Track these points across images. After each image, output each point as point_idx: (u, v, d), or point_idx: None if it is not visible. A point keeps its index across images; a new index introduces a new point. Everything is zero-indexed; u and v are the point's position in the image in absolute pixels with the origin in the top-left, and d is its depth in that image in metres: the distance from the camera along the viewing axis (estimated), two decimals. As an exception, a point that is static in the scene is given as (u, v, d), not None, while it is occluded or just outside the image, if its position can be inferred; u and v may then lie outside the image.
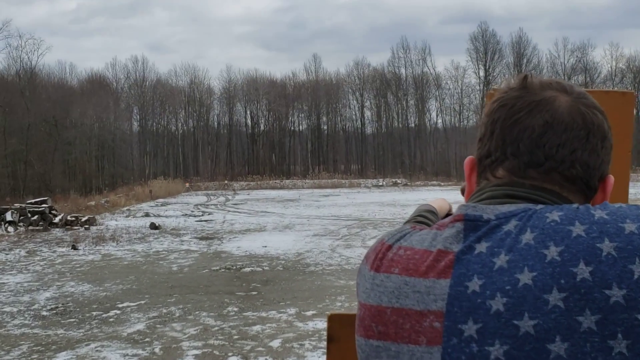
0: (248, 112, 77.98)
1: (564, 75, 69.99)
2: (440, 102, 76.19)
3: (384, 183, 60.69)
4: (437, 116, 76.56)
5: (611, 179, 1.03)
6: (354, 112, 79.73)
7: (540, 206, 0.94)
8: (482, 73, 72.95)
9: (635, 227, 0.88)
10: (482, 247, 0.92)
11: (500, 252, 0.90)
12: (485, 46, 73.05)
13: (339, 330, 1.67)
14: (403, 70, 77.25)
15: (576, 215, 0.91)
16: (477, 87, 72.93)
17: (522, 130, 0.98)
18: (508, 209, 0.95)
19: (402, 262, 0.97)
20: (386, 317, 0.95)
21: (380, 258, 1.00)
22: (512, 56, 72.91)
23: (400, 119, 77.44)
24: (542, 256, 0.88)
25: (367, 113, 79.26)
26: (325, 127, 79.78)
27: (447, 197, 1.86)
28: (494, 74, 71.72)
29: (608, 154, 1.02)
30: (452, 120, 75.93)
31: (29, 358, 7.92)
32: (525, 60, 72.23)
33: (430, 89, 76.97)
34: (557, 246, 0.88)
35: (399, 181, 61.74)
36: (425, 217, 1.46)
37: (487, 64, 72.87)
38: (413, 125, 77.03)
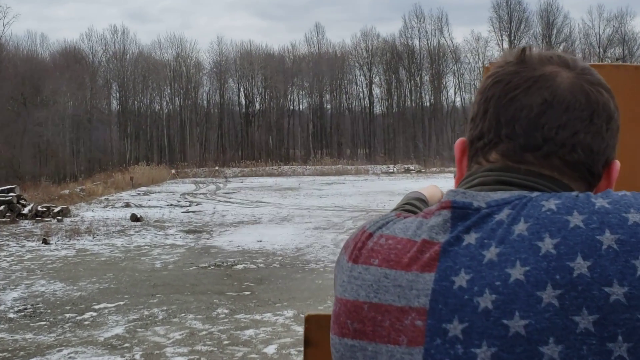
0: (241, 89, 78.02)
1: (599, 47, 69.83)
2: (458, 78, 76.11)
3: (395, 169, 60.75)
4: (455, 94, 76.69)
5: (617, 164, 1.03)
6: (361, 90, 79.74)
7: (536, 193, 0.94)
8: (506, 45, 72.81)
9: None
10: (471, 238, 0.92)
11: (491, 244, 0.90)
12: (509, 14, 72.89)
13: (317, 333, 1.63)
14: (417, 42, 77.18)
15: (575, 204, 0.91)
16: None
17: (519, 110, 0.98)
18: (501, 197, 0.95)
19: (383, 253, 0.96)
20: (363, 313, 0.94)
21: (360, 247, 1.00)
22: (540, 26, 72.83)
23: (413, 97, 77.42)
24: (536, 249, 0.88)
25: (376, 90, 79.25)
26: (329, 107, 79.81)
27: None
28: (520, 46, 71.51)
29: (614, 137, 1.01)
30: (472, 98, 75.74)
31: (-6, 366, 7.95)
32: (555, 31, 72.13)
33: (447, 63, 76.92)
34: (552, 238, 0.88)
35: (411, 167, 61.78)
36: (413, 206, 1.45)
37: (512, 35, 72.71)
38: (428, 104, 77.05)
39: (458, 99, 76.80)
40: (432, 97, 76.89)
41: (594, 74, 1.02)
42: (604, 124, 0.99)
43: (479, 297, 0.87)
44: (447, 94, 77.39)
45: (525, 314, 0.85)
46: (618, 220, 0.88)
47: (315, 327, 1.64)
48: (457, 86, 76.96)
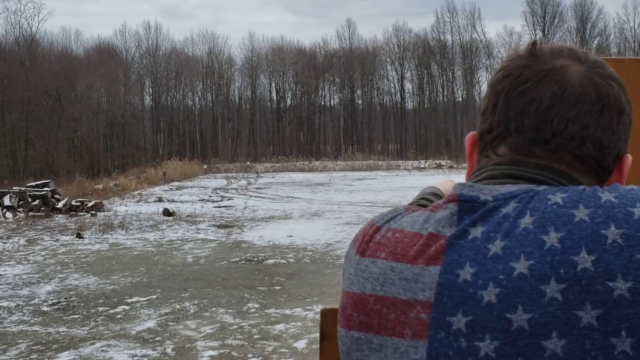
0: (273, 84, 78.15)
1: (634, 42, 68.82)
2: (491, 73, 75.36)
3: (426, 165, 60.49)
4: (487, 89, 76.01)
5: (629, 158, 1.02)
6: (392, 85, 79.45)
7: (543, 187, 0.94)
8: (539, 40, 71.92)
9: None
10: (477, 231, 0.92)
11: (496, 238, 0.90)
12: (543, 9, 72.11)
13: (333, 327, 1.65)
14: (449, 37, 76.68)
15: (581, 198, 0.91)
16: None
17: (528, 103, 0.98)
18: (508, 190, 0.95)
19: (390, 246, 0.97)
20: (369, 306, 0.95)
21: (367, 241, 1.00)
22: (574, 20, 71.97)
23: (445, 92, 76.97)
24: (540, 242, 0.88)
25: (408, 85, 78.91)
26: (360, 102, 79.64)
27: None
28: (554, 40, 70.73)
29: (626, 131, 1.01)
30: (505, 93, 75.16)
31: (28, 358, 8.06)
32: (589, 25, 71.21)
33: (479, 58, 76.34)
34: (557, 232, 0.88)
35: (443, 163, 61.47)
36: (427, 200, 1.45)
37: (546, 29, 71.93)
38: (460, 99, 76.57)
39: (490, 94, 76.35)
40: (465, 92, 76.40)
41: (606, 67, 1.01)
42: (614, 117, 0.98)
43: (483, 290, 0.87)
44: (480, 89, 76.76)
45: (528, 307, 0.85)
46: (624, 214, 0.87)
47: (331, 321, 1.67)
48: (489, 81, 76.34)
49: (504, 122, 1.00)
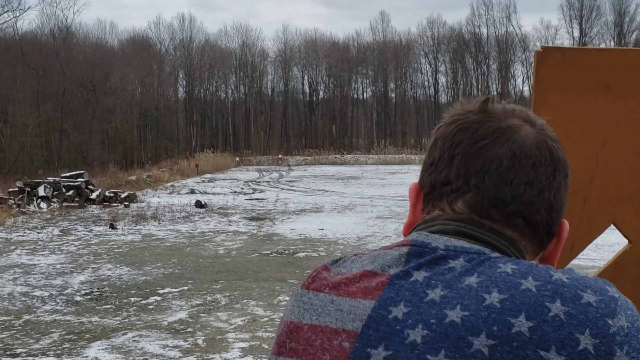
0: (306, 77, 78.16)
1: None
2: (527, 67, 74.68)
3: (460, 159, 60.02)
4: (522, 83, 75.19)
5: (566, 224, 1.04)
6: (426, 78, 79.05)
7: (495, 254, 0.95)
8: (576, 33, 71.16)
9: (594, 300, 0.88)
10: (419, 275, 0.93)
11: (437, 286, 0.91)
12: (581, 2, 71.14)
13: None
14: (484, 30, 75.99)
15: (531, 271, 0.91)
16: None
17: (489, 161, 0.99)
18: (461, 245, 0.96)
19: (335, 282, 0.98)
20: (302, 333, 0.97)
21: (314, 276, 1.02)
22: (612, 14, 70.88)
23: (480, 86, 76.34)
24: (480, 299, 0.88)
25: (442, 79, 78.44)
26: (393, 95, 79.37)
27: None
28: (591, 34, 69.92)
29: (566, 195, 1.03)
30: (541, 87, 74.37)
31: (61, 347, 8.15)
32: (627, 19, 70.11)
33: (515, 52, 75.57)
34: (500, 293, 0.88)
35: (476, 157, 61.00)
36: None
37: (583, 23, 70.99)
38: (495, 93, 75.85)
39: (526, 88, 75.46)
40: (500, 86, 75.69)
41: (551, 131, 1.03)
42: (563, 181, 1.01)
43: (410, 329, 0.88)
44: (515, 83, 76.08)
45: (451, 353, 0.84)
46: (572, 295, 0.87)
47: None
48: (525, 75, 75.58)
49: (464, 177, 1.00)
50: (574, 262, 1.68)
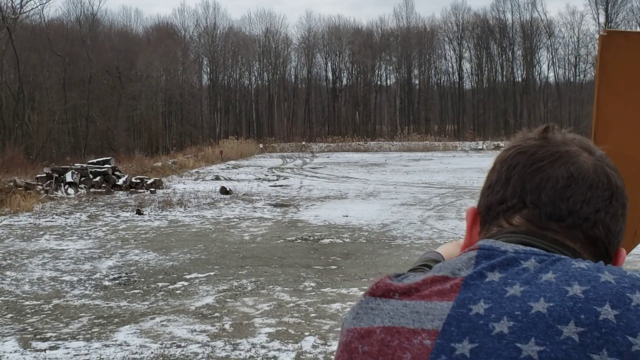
0: (329, 64, 77.99)
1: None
2: (552, 53, 74.03)
3: (484, 146, 59.79)
4: (548, 69, 74.83)
5: (623, 252, 1.05)
6: (450, 65, 78.58)
7: (564, 256, 0.96)
8: (602, 19, 70.32)
9: None
10: (494, 276, 0.94)
11: (515, 283, 0.92)
12: (607, -13, 70.19)
13: None
14: (509, 16, 75.45)
15: (605, 268, 0.93)
16: (597, 36, 70.32)
17: (545, 179, 1.01)
18: (530, 249, 0.97)
19: (404, 287, 0.98)
20: (375, 336, 0.95)
21: (379, 286, 1.01)
22: (638, 0, 69.85)
23: (504, 73, 75.81)
24: (563, 291, 0.89)
25: (466, 65, 77.91)
26: (417, 82, 79.00)
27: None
28: (617, 20, 69.00)
29: (625, 224, 1.04)
30: (566, 74, 73.66)
31: (90, 331, 8.26)
32: (655, 4, 69.03)
33: (540, 38, 74.87)
34: (581, 285, 0.89)
35: (501, 144, 60.58)
36: (427, 267, 1.45)
37: (609, 9, 70.11)
38: (520, 79, 75.32)
39: (551, 74, 74.94)
40: (525, 73, 75.08)
41: (611, 161, 1.05)
42: (620, 208, 1.02)
43: (495, 322, 0.88)
44: (540, 69, 75.45)
45: (542, 341, 0.85)
46: None
47: None
48: (550, 61, 74.90)
49: (519, 195, 1.02)
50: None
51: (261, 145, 57.30)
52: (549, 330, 0.86)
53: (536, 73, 75.24)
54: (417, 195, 22.48)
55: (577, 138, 1.06)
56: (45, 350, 7.58)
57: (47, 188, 22.86)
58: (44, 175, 24.01)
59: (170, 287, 10.40)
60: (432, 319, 0.92)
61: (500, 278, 0.93)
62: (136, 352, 7.43)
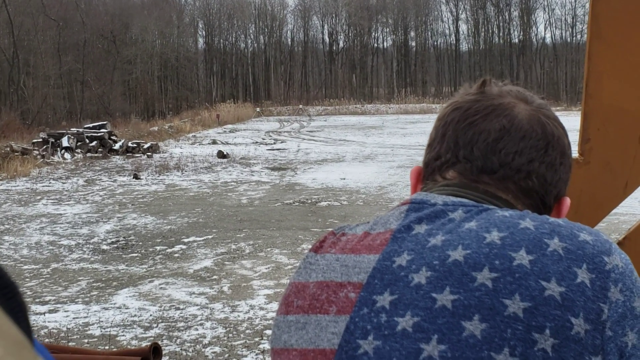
0: (325, 27, 77.41)
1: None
2: (549, 14, 73.59)
3: (481, 108, 59.61)
4: (545, 30, 74.24)
5: (567, 200, 1.07)
6: (447, 26, 78.04)
7: (492, 207, 0.99)
8: (600, -21, 69.64)
9: (591, 239, 0.92)
10: (421, 228, 0.97)
11: (438, 233, 0.95)
12: (605, -54, 69.58)
13: None
14: (506, -23, 74.56)
15: (528, 215, 0.95)
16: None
17: (477, 134, 1.02)
18: (459, 200, 0.99)
19: (341, 244, 1.02)
20: (308, 290, 0.99)
21: (322, 241, 1.05)
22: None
23: (501, 34, 75.31)
24: (481, 238, 0.91)
25: (463, 27, 77.44)
26: (414, 44, 78.53)
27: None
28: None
29: (567, 172, 1.06)
30: (563, 34, 73.23)
31: (89, 294, 8.28)
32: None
33: (537, -1, 74.22)
34: (500, 232, 0.91)
35: (498, 106, 60.58)
36: None
37: (608, -32, 69.48)
38: (516, 40, 74.85)
39: (548, 35, 74.51)
40: (521, 34, 74.60)
41: (551, 110, 1.07)
42: (558, 157, 1.03)
43: (414, 273, 0.91)
44: (537, 30, 75.07)
45: (455, 290, 0.88)
46: (569, 233, 0.92)
47: None
48: (547, 22, 74.49)
49: (453, 150, 1.04)
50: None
51: (258, 109, 57.10)
52: (464, 278, 0.88)
53: (533, 34, 74.78)
54: (414, 158, 22.45)
55: (514, 90, 1.07)
56: (44, 313, 7.60)
57: (44, 153, 22.80)
58: (40, 140, 23.93)
59: (169, 250, 10.41)
60: (359, 272, 0.96)
61: (425, 230, 0.96)
62: (135, 315, 7.46)
